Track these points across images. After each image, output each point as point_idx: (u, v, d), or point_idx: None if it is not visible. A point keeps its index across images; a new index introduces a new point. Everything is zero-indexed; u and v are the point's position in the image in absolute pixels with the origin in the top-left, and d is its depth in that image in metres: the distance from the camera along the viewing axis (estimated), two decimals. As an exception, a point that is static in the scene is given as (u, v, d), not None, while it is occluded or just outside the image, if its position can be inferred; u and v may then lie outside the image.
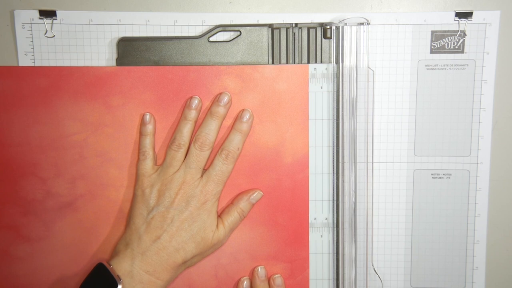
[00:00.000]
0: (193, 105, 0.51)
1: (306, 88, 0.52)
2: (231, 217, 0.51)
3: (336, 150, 0.53)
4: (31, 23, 0.52)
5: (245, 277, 0.53)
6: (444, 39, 0.52)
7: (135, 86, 0.52)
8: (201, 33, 0.52)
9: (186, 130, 0.51)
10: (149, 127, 0.52)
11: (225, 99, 0.51)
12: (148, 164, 0.51)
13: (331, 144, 0.53)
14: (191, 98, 0.51)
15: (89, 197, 0.53)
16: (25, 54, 0.53)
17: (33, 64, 0.53)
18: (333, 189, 0.53)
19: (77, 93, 0.52)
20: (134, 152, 0.53)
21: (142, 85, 0.52)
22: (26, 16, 0.52)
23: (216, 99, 0.51)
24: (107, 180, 0.53)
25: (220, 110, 0.51)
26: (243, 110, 0.52)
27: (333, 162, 0.53)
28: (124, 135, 0.52)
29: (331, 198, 0.54)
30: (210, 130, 0.50)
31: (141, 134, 0.52)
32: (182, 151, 0.50)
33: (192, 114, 0.51)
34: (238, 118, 0.52)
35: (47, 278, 0.54)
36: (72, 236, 0.53)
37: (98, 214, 0.53)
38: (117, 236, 0.53)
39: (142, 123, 0.52)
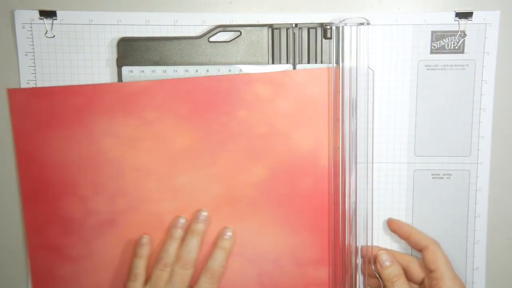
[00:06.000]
0: (179, 224, 0.52)
1: (331, 90, 0.51)
2: None
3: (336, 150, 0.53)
4: (31, 23, 0.52)
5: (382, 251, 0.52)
6: (444, 39, 0.52)
7: (168, 99, 0.52)
8: (201, 33, 0.52)
9: (172, 248, 0.51)
10: (145, 250, 0.52)
11: (203, 215, 0.52)
12: (137, 287, 0.51)
13: (331, 144, 0.53)
14: (177, 217, 0.52)
15: (130, 213, 0.53)
16: (25, 54, 0.53)
17: (33, 65, 0.53)
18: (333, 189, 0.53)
19: (112, 110, 0.52)
20: (172, 164, 0.52)
21: (175, 97, 0.52)
22: (26, 16, 0.52)
23: (195, 216, 0.52)
24: (147, 194, 0.53)
25: (200, 226, 0.52)
26: (225, 227, 0.53)
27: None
28: (161, 147, 0.52)
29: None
30: (192, 248, 0.51)
31: (135, 255, 0.52)
32: (168, 270, 0.51)
33: (178, 232, 0.52)
34: (220, 235, 0.53)
35: None
36: (115, 253, 0.53)
37: (140, 229, 0.53)
38: (160, 250, 0.53)
39: (139, 244, 0.52)
